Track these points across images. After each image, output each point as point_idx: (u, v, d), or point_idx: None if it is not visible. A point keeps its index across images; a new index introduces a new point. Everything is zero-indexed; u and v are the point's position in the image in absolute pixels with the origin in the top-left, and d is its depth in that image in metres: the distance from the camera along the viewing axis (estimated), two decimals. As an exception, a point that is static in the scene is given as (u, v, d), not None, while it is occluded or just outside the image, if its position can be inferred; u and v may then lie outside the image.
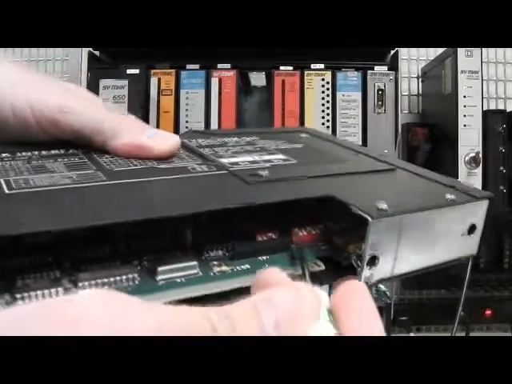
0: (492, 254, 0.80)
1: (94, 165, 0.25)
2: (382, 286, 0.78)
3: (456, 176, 0.75)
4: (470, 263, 0.70)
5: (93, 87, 0.82)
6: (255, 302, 0.15)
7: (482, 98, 0.75)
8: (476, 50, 0.74)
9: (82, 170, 0.24)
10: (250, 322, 0.15)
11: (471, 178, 0.75)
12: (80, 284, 0.18)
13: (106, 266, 0.19)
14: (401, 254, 0.22)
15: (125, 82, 0.82)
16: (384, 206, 0.21)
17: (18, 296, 0.17)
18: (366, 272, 0.21)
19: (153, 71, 0.84)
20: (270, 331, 0.15)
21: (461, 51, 0.74)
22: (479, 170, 0.75)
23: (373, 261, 0.21)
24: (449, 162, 0.76)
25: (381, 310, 0.81)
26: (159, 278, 0.20)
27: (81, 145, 0.27)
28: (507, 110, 0.81)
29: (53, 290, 0.18)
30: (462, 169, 0.75)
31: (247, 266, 0.21)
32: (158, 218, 0.19)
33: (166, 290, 0.19)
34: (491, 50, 0.96)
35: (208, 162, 0.27)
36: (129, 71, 0.83)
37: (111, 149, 0.27)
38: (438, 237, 0.24)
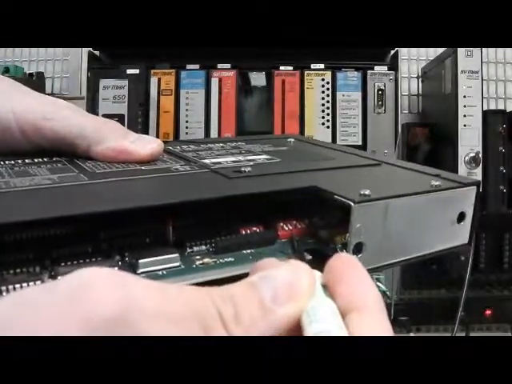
0: (492, 254, 0.80)
1: (76, 168, 0.25)
2: (382, 286, 0.78)
3: (456, 176, 0.75)
4: (469, 263, 0.70)
5: (93, 87, 0.82)
6: (253, 280, 0.16)
7: (482, 98, 0.75)
8: (476, 50, 0.74)
9: (64, 172, 0.24)
10: (250, 297, 0.15)
11: (471, 177, 0.75)
12: (59, 278, 0.18)
13: (87, 262, 0.19)
14: (388, 242, 0.22)
15: (125, 82, 0.82)
16: (367, 191, 0.21)
17: None
18: None
19: (153, 71, 0.84)
20: (269, 305, 0.15)
21: (461, 51, 0.74)
22: (479, 170, 0.75)
23: (358, 248, 0.21)
24: (449, 162, 0.76)
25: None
26: (140, 270, 0.19)
27: (65, 153, 0.28)
28: (507, 110, 0.81)
29: (31, 284, 0.17)
30: (462, 169, 0.75)
31: (231, 259, 0.21)
32: (133, 208, 0.19)
33: None
34: (491, 50, 0.96)
35: (191, 163, 0.27)
36: (129, 71, 0.83)
37: (95, 154, 0.27)
38: (426, 224, 0.23)
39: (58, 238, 0.19)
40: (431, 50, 0.94)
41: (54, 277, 0.18)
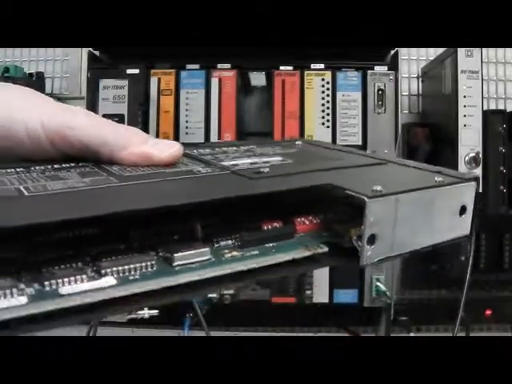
0: (492, 254, 0.80)
1: (104, 172, 0.27)
2: (382, 286, 0.78)
3: (456, 176, 0.75)
4: (470, 263, 0.70)
5: (93, 87, 0.82)
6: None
7: (482, 98, 0.75)
8: (476, 50, 0.74)
9: (94, 176, 0.26)
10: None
11: (471, 173, 0.75)
12: (102, 271, 0.20)
13: (125, 257, 0.21)
14: (398, 233, 0.24)
15: (125, 82, 0.82)
16: (378, 187, 0.23)
17: (46, 283, 0.19)
18: (367, 251, 0.23)
19: (153, 71, 0.84)
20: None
21: (461, 51, 0.74)
22: (479, 170, 0.75)
23: (372, 240, 0.23)
24: (449, 162, 0.76)
25: (381, 310, 0.81)
26: (175, 263, 0.21)
27: (90, 159, 0.29)
28: (507, 110, 0.81)
29: (78, 277, 0.19)
30: (462, 169, 0.75)
31: (256, 252, 0.23)
32: (169, 206, 0.21)
33: (182, 274, 0.21)
34: (491, 50, 0.95)
35: (211, 165, 0.29)
36: (129, 71, 0.83)
37: (118, 160, 0.29)
38: (431, 217, 0.25)
39: (95, 236, 0.21)
40: (431, 49, 0.94)
41: (96, 271, 0.20)
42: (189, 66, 0.84)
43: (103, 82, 0.82)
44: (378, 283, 0.78)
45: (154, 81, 0.84)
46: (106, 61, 0.89)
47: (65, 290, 0.19)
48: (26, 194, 0.22)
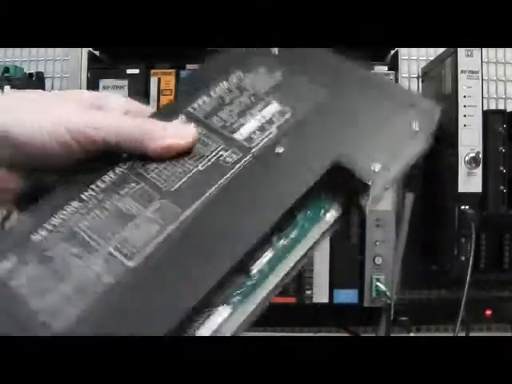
0: (492, 254, 0.80)
1: (155, 191, 0.29)
2: (381, 286, 0.78)
3: (456, 176, 0.75)
4: (470, 263, 0.70)
5: (93, 87, 0.82)
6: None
7: (482, 97, 0.75)
8: (476, 50, 0.74)
9: (148, 200, 0.29)
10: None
11: (471, 177, 0.75)
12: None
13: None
14: (391, 177, 0.30)
15: (125, 82, 0.82)
16: (377, 167, 0.29)
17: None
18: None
19: (153, 71, 0.84)
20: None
21: (461, 51, 0.74)
22: (479, 170, 0.75)
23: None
24: (449, 162, 0.76)
25: (381, 310, 0.81)
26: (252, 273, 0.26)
27: (117, 154, 0.31)
28: (507, 110, 0.81)
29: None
30: (462, 169, 0.75)
31: (296, 232, 0.29)
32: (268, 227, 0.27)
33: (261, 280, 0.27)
34: (491, 50, 0.95)
35: (227, 142, 0.32)
36: (129, 71, 0.82)
37: (145, 152, 0.30)
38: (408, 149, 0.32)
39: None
40: (431, 49, 0.94)
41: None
42: (189, 66, 0.84)
43: (103, 82, 0.82)
44: (378, 283, 0.78)
45: (154, 81, 0.83)
46: (105, 61, 0.89)
47: None
48: (131, 265, 0.25)
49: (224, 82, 0.36)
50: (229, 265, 0.24)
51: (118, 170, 0.30)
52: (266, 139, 0.32)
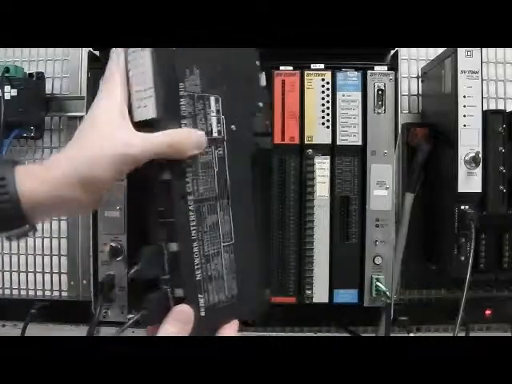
0: (492, 254, 0.80)
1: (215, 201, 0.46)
2: (381, 286, 0.78)
3: (456, 176, 0.75)
4: (470, 263, 0.70)
5: (93, 87, 0.82)
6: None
7: (482, 98, 0.75)
8: (476, 50, 0.74)
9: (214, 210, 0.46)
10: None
11: (471, 177, 0.75)
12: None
13: None
14: None
15: (125, 82, 0.82)
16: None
17: None
18: None
19: (153, 71, 0.84)
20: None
21: (461, 51, 0.74)
22: (479, 170, 0.75)
23: None
24: (449, 162, 0.76)
25: (381, 310, 0.81)
26: None
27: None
28: (507, 110, 0.81)
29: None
30: (462, 169, 0.75)
31: None
32: None
33: None
34: (491, 50, 0.95)
35: (210, 141, 0.45)
36: (129, 71, 0.82)
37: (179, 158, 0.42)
38: None
39: None
40: (431, 50, 0.94)
41: None
42: (189, 66, 0.84)
43: (103, 82, 0.82)
44: (378, 283, 0.78)
45: (153, 81, 0.83)
46: (106, 61, 0.89)
47: None
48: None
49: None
50: None
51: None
52: (225, 125, 0.45)
